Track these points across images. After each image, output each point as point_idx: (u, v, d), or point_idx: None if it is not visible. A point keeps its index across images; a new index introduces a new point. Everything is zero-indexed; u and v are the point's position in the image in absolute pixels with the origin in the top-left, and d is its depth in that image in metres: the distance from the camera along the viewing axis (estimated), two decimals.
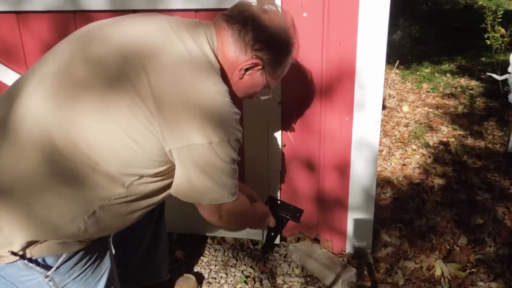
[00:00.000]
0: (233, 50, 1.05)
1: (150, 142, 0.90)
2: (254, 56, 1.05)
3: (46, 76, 0.94)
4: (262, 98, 1.22)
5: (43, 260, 0.96)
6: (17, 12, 1.75)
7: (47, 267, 0.97)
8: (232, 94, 1.06)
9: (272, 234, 1.50)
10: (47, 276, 0.97)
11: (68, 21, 1.72)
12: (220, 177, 0.97)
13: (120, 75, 0.90)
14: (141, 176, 0.95)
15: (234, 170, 1.00)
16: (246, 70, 1.07)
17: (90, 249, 1.04)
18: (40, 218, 0.91)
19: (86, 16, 1.71)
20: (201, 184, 0.96)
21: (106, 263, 1.11)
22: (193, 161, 0.92)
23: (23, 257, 0.93)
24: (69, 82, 0.92)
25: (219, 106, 0.94)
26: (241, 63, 1.06)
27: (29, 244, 0.92)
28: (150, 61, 0.91)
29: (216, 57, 1.04)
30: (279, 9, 1.09)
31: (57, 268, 0.98)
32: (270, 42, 1.06)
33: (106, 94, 0.89)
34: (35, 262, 0.95)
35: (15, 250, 0.91)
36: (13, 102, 0.94)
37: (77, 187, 0.91)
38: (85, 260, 1.03)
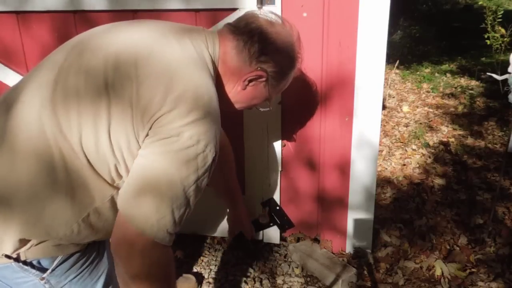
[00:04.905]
0: (236, 60, 1.04)
1: (135, 147, 0.89)
2: (259, 68, 1.05)
3: (42, 84, 0.95)
4: (262, 110, 1.22)
5: (38, 262, 0.96)
6: (17, 12, 1.75)
7: (43, 269, 0.96)
8: (228, 104, 1.08)
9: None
10: (42, 278, 0.96)
11: (68, 21, 1.73)
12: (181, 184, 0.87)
13: (107, 85, 0.90)
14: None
15: (197, 188, 0.89)
16: (250, 81, 1.07)
17: (87, 251, 1.03)
18: (33, 221, 0.91)
19: (86, 16, 1.71)
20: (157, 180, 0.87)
21: (104, 265, 1.10)
22: (164, 153, 0.86)
23: (17, 260, 0.92)
24: (63, 91, 0.92)
25: (208, 108, 0.91)
26: (244, 74, 1.05)
27: (22, 245, 0.92)
28: (139, 69, 0.90)
29: (215, 65, 1.04)
30: (286, 23, 1.09)
31: (53, 270, 0.97)
32: (276, 55, 1.06)
33: (95, 103, 0.89)
34: (30, 264, 0.94)
35: (8, 253, 0.91)
36: (9, 110, 0.94)
37: (71, 192, 0.91)
38: (81, 261, 1.02)
